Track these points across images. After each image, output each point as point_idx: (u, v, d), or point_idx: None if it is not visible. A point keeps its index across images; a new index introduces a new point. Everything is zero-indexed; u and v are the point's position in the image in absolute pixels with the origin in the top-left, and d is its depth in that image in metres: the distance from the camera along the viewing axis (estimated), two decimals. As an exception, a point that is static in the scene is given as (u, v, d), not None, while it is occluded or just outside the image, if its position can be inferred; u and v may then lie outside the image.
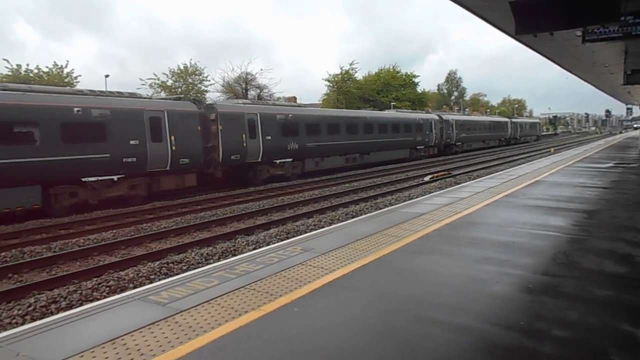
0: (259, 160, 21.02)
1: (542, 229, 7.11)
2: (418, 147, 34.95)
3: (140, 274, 8.25)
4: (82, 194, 14.99)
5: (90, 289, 7.57)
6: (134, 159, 16.04)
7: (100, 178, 15.21)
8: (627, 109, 74.15)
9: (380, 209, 14.17)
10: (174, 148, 17.15)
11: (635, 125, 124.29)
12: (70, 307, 6.94)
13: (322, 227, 11.92)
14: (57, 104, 14.47)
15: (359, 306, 4.12)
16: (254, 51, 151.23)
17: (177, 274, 8.47)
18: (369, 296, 4.36)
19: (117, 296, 4.56)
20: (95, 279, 8.15)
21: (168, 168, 17.19)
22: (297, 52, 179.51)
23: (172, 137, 17.13)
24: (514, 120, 61.01)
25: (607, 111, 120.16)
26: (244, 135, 20.14)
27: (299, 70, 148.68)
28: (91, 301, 7.19)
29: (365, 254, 5.76)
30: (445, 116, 41.50)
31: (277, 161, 22.13)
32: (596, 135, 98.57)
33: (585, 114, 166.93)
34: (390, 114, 35.26)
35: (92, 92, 16.38)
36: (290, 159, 22.85)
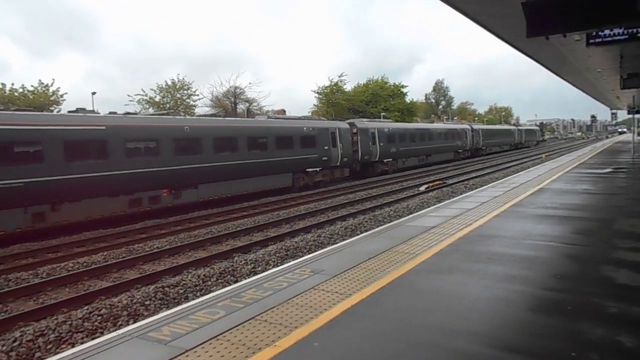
0: (377, 159, 29.78)
1: (562, 241, 6.75)
2: (459, 151, 43.81)
3: (135, 300, 7.73)
4: (305, 179, 23.94)
5: (80, 318, 7.03)
6: (326, 158, 25.12)
7: (312, 169, 24.29)
8: (612, 113, 75.13)
9: (380, 221, 13.81)
10: (341, 151, 26.29)
11: (619, 130, 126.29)
12: (59, 340, 6.43)
13: (322, 242, 11.53)
14: (297, 125, 24.28)
15: (385, 339, 3.68)
16: (243, 66, 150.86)
17: (174, 299, 8.02)
18: (394, 326, 3.93)
19: (112, 334, 4.06)
20: (86, 307, 7.63)
21: (339, 164, 26.28)
22: (285, 65, 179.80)
23: (341, 144, 26.28)
24: (519, 128, 71.65)
25: (593, 116, 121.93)
26: (370, 143, 29.10)
27: (288, 83, 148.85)
28: (82, 332, 6.70)
29: (379, 275, 5.34)
30: (475, 126, 51.18)
31: (385, 160, 30.57)
32: (583, 141, 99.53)
33: (571, 119, 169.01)
34: (443, 125, 45.87)
35: (306, 117, 29.51)
36: (391, 159, 31.39)
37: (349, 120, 30.63)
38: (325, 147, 24.94)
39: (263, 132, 21.85)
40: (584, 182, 13.91)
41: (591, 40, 8.94)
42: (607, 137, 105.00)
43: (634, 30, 8.43)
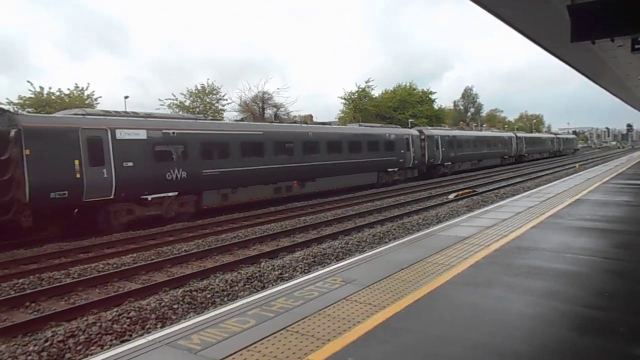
0: (439, 162, 34.67)
1: (604, 256, 6.43)
2: (505, 157, 48.41)
3: (163, 304, 7.71)
4: (386, 177, 28.29)
5: (110, 320, 7.05)
6: (402, 160, 29.50)
7: (392, 169, 28.74)
8: (649, 122, 72.57)
9: (409, 229, 13.55)
10: (413, 155, 30.63)
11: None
12: (89, 341, 6.45)
13: (350, 249, 11.36)
14: (381, 132, 28.84)
15: (424, 356, 3.51)
16: (271, 70, 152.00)
17: (202, 303, 7.99)
18: (434, 342, 3.74)
19: (141, 341, 4.01)
20: (115, 308, 7.65)
21: (411, 165, 30.70)
22: (314, 70, 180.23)
23: (413, 149, 30.65)
24: (558, 136, 76.09)
25: (629, 125, 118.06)
26: (434, 148, 33.80)
27: (316, 88, 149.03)
28: (111, 334, 6.72)
29: (414, 286, 5.15)
30: (519, 134, 55.44)
31: (445, 163, 35.41)
32: (619, 150, 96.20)
33: (606, 128, 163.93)
34: (492, 133, 51.29)
35: (387, 125, 34.46)
36: (450, 162, 36.29)
37: (417, 128, 36.16)
38: (402, 151, 29.59)
39: (359, 137, 26.37)
40: (624, 194, 13.33)
41: (637, 46, 8.57)
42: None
43: (684, 35, 8.03)
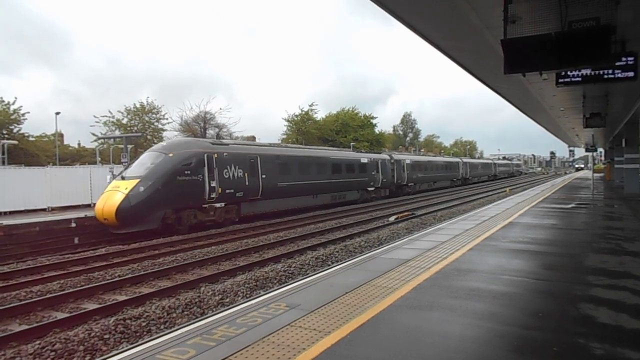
0: (467, 177, 58.76)
1: (536, 277, 6.74)
2: (489, 175, 72.87)
3: (93, 334, 7.21)
4: (456, 182, 55.32)
5: (31, 354, 6.50)
6: (455, 174, 55.22)
7: (455, 179, 55.60)
8: (570, 150, 79.10)
9: (351, 252, 13.63)
10: (460, 172, 57.08)
11: (576, 166, 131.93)
12: (6, 378, 5.87)
13: (293, 272, 11.24)
14: (454, 160, 59.09)
15: (370, 382, 3.46)
16: (217, 89, 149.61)
17: (136, 332, 7.53)
18: (379, 368, 3.71)
19: (69, 377, 3.68)
20: (38, 341, 7.06)
21: (459, 177, 56.88)
22: (261, 90, 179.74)
23: (459, 169, 57.00)
24: (513, 162, 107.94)
25: (552, 153, 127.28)
26: (466, 168, 59.23)
27: (261, 109, 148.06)
28: (32, 370, 6.16)
29: (359, 310, 5.13)
30: (496, 161, 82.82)
31: (469, 177, 59.75)
32: (544, 176, 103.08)
33: (532, 155, 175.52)
34: (485, 160, 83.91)
35: (457, 156, 77.14)
36: (470, 177, 59.63)
37: (459, 157, 64.93)
38: (457, 171, 54.30)
39: (449, 163, 53.10)
40: (551, 217, 14.19)
41: (560, 80, 9.24)
42: (565, 173, 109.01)
43: (601, 71, 8.77)
